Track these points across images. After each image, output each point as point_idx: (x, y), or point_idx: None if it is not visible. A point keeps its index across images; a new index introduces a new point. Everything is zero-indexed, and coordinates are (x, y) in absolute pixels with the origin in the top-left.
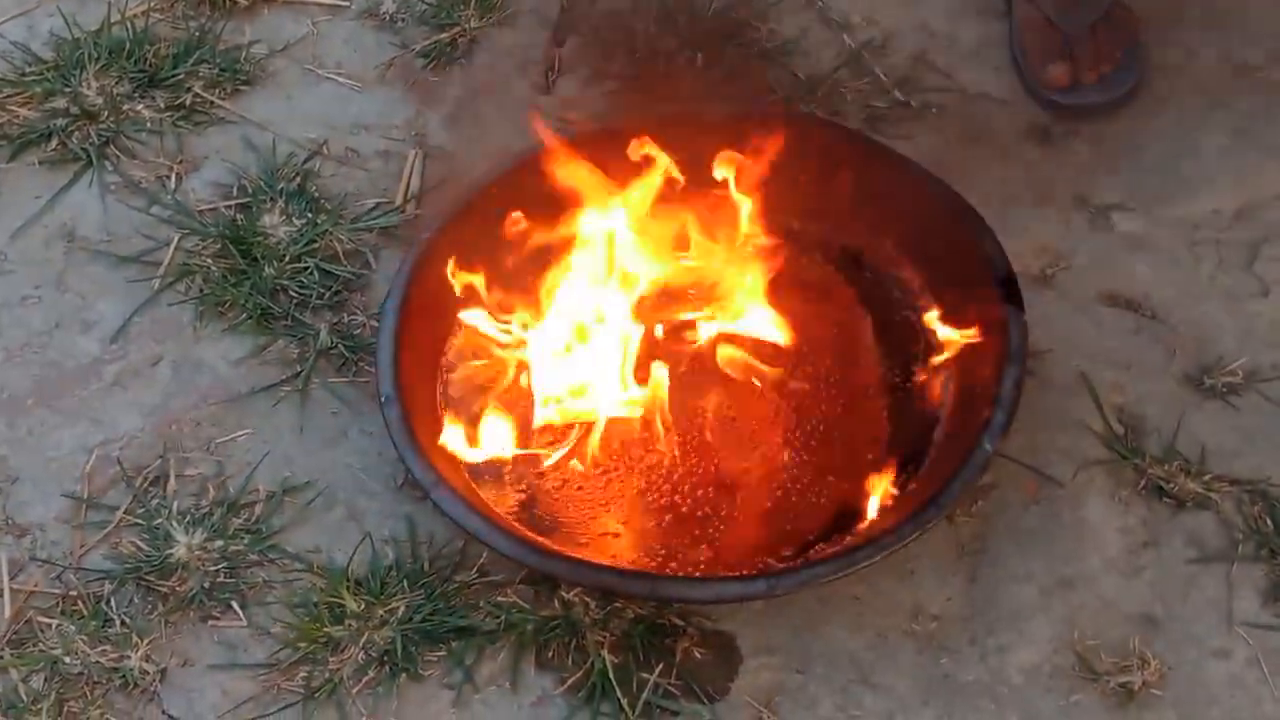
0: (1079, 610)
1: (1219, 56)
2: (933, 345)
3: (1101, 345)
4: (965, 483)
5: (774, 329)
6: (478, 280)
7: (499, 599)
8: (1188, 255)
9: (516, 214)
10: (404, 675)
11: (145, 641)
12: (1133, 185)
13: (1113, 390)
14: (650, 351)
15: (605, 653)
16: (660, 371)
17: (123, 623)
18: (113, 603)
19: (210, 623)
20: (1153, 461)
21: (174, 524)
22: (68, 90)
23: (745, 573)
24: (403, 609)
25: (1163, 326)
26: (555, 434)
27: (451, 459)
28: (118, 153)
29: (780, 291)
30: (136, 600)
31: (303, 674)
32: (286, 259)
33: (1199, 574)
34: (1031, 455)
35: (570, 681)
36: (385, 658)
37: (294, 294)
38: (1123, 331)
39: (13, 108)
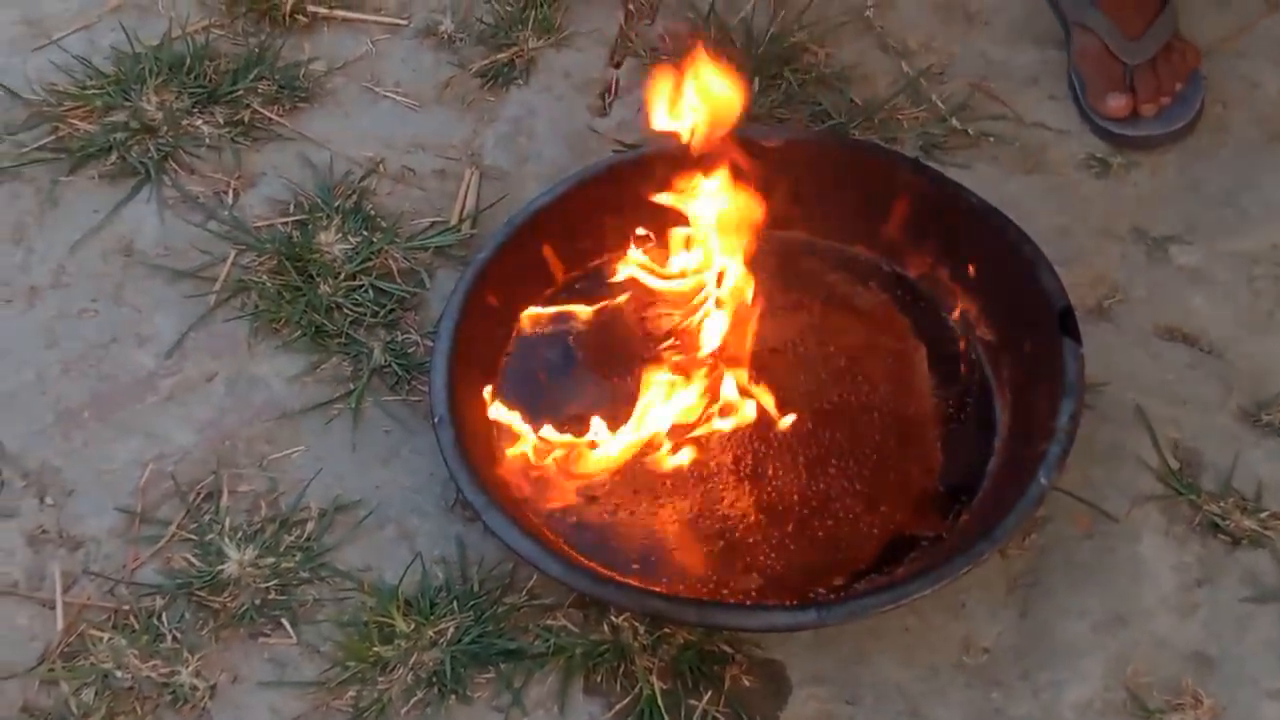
0: (1132, 647)
1: None
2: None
3: (1158, 379)
4: (1020, 516)
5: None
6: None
7: (548, 622)
8: (1246, 290)
9: None
10: (453, 697)
11: (196, 657)
12: (1191, 218)
13: (1169, 425)
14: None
15: (654, 679)
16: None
17: (174, 638)
18: (164, 618)
19: (260, 640)
20: (1208, 498)
21: (226, 540)
22: (127, 104)
23: (796, 602)
24: (452, 630)
25: (1220, 361)
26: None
27: (503, 482)
28: (176, 167)
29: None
30: (188, 615)
31: (351, 693)
32: (342, 276)
33: (1254, 613)
34: (1086, 489)
35: (619, 707)
36: (434, 679)
37: (348, 312)
38: (1179, 366)
39: (73, 121)
